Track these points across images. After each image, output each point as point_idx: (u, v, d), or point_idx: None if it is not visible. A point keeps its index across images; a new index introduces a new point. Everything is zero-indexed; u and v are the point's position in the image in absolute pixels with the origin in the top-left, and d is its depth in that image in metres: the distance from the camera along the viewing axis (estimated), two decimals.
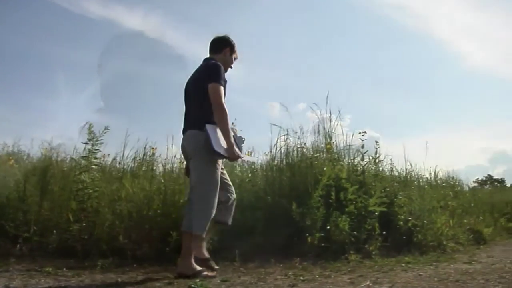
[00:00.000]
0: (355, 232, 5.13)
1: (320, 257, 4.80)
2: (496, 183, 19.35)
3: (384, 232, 5.43)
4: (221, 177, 3.98)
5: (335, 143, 6.48)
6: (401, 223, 5.76)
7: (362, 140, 6.36)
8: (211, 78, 3.84)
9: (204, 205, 3.80)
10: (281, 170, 5.65)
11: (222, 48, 4.21)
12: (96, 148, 5.20)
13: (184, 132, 4.05)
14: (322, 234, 4.94)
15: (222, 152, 3.76)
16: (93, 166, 5.29)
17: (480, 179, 17.97)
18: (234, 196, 4.19)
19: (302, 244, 4.87)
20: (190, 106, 4.09)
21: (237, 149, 3.92)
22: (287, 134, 6.11)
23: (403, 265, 4.48)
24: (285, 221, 4.96)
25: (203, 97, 3.86)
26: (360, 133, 6.42)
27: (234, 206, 4.17)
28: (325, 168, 5.36)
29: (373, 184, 5.78)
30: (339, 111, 6.45)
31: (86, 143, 5.19)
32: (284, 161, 5.84)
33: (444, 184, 9.17)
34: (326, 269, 4.25)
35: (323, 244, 4.95)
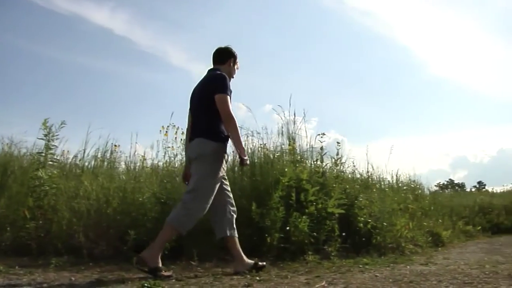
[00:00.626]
0: (314, 233, 5.14)
1: (279, 258, 4.81)
2: (456, 188, 19.79)
3: (344, 234, 5.47)
4: (223, 187, 4.16)
5: (299, 145, 6.52)
6: (361, 225, 5.81)
7: (321, 142, 6.43)
8: (218, 89, 3.99)
9: (199, 205, 3.95)
10: (242, 170, 5.63)
11: (226, 59, 4.34)
12: (53, 144, 5.10)
13: (191, 140, 4.17)
14: (282, 235, 4.94)
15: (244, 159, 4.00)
16: (50, 162, 5.18)
17: (441, 183, 18.33)
18: (234, 208, 4.27)
19: (261, 244, 4.86)
20: (197, 115, 4.20)
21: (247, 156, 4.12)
22: (251, 135, 6.13)
23: (361, 266, 4.50)
24: (245, 221, 4.93)
25: (209, 107, 4.00)
26: (319, 135, 6.48)
27: (234, 217, 4.21)
28: (286, 169, 5.37)
29: (334, 185, 5.81)
30: (304, 113, 6.49)
31: (42, 139, 5.09)
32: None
33: (405, 187, 9.29)
34: (283, 270, 4.25)
35: (282, 245, 4.95)
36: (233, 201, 4.26)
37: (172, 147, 6.26)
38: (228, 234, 4.07)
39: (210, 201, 3.98)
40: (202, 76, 4.37)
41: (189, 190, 3.98)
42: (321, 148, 6.39)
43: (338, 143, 6.65)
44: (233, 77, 4.39)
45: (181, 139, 6.20)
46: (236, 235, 4.12)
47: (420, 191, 10.31)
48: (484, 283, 3.39)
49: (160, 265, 3.79)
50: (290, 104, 6.33)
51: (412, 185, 9.83)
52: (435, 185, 14.77)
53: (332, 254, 5.10)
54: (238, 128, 4.10)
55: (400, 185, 9.21)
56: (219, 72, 4.19)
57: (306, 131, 6.58)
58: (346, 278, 3.68)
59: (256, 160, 5.77)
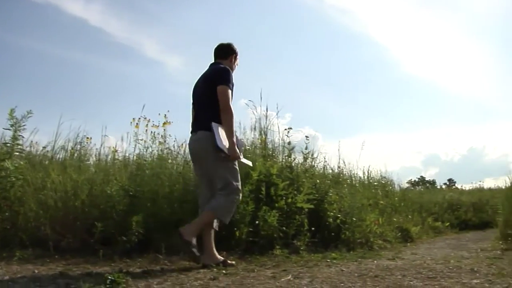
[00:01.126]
0: (284, 228, 5.16)
1: (248, 252, 4.81)
2: (427, 185, 20.07)
3: (313, 228, 5.50)
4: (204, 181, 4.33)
5: (271, 140, 6.54)
6: (331, 219, 5.85)
7: (289, 137, 6.46)
8: (221, 81, 4.11)
9: (233, 197, 4.15)
10: None
11: (229, 55, 4.50)
12: (20, 134, 5.01)
13: (194, 132, 4.27)
14: (251, 229, 4.93)
15: (224, 150, 4.00)
16: (17, 153, 5.09)
17: (413, 180, 18.55)
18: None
19: (230, 238, 4.85)
20: (200, 108, 4.30)
21: (237, 150, 4.12)
22: None
23: (328, 260, 4.53)
24: None
25: (213, 100, 4.10)
26: (285, 129, 6.51)
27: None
28: (256, 163, 5.36)
29: (304, 180, 5.83)
30: (277, 109, 6.51)
31: (8, 129, 5.00)
32: None
33: (376, 183, 9.39)
34: (251, 264, 4.26)
35: (251, 239, 4.95)
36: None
37: (144, 140, 6.20)
38: (214, 225, 4.21)
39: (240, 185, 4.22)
40: (203, 71, 4.47)
41: (220, 188, 4.11)
42: (289, 143, 6.40)
43: (306, 137, 6.68)
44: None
45: (152, 132, 6.17)
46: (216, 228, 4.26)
47: (390, 187, 10.45)
48: (447, 277, 3.44)
49: (195, 243, 3.97)
50: (261, 99, 6.36)
51: (383, 182, 9.95)
52: (407, 182, 14.99)
53: (301, 248, 5.11)
54: (233, 121, 4.17)
55: (371, 181, 9.31)
56: (222, 65, 4.31)
57: (278, 126, 6.60)
58: (313, 272, 3.70)
59: None
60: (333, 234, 5.82)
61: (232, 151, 4.05)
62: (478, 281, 3.26)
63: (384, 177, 10.23)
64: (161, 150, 6.00)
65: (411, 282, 3.23)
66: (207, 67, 4.49)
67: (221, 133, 4.05)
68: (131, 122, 6.25)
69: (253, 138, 6.48)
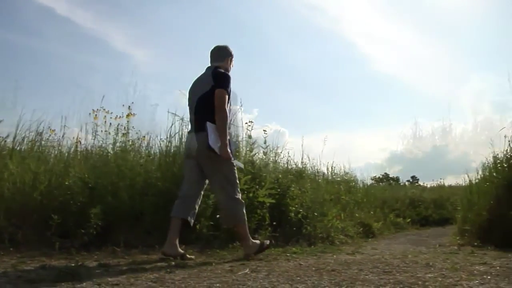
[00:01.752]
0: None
1: (208, 245, 4.81)
2: (391, 181, 20.36)
3: (274, 223, 5.52)
4: (195, 171, 4.34)
5: (235, 134, 6.52)
6: (292, 214, 5.88)
7: (250, 131, 6.50)
8: (219, 84, 4.23)
9: (236, 194, 4.30)
10: (175, 157, 5.58)
11: (225, 57, 4.59)
12: None
13: (194, 132, 4.30)
14: (212, 223, 4.92)
15: (216, 149, 4.09)
16: None
17: (377, 176, 18.81)
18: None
19: (191, 232, 4.82)
20: (200, 109, 4.31)
21: (229, 150, 4.18)
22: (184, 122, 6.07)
23: (288, 255, 4.56)
24: None
25: (212, 102, 4.18)
26: (246, 123, 6.54)
27: (196, 205, 4.39)
28: None
29: (265, 174, 5.85)
30: (241, 103, 6.49)
31: None
32: (180, 149, 5.76)
33: (339, 179, 9.49)
34: (210, 257, 4.26)
35: (212, 233, 4.94)
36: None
37: (109, 131, 6.12)
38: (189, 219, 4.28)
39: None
40: (200, 74, 4.54)
41: (220, 188, 4.30)
42: (249, 137, 6.42)
43: (264, 131, 6.73)
44: None
45: (111, 124, 6.10)
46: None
47: (354, 183, 10.57)
48: (402, 271, 3.49)
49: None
50: None
51: (346, 178, 10.05)
52: (371, 179, 15.16)
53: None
54: (227, 123, 4.25)
55: (334, 177, 9.41)
56: (222, 70, 4.41)
57: (242, 120, 6.60)
58: (271, 266, 3.72)
59: None
60: (294, 228, 5.86)
61: (224, 151, 4.12)
62: (432, 275, 3.31)
63: (347, 173, 10.35)
64: (123, 142, 5.92)
65: (367, 276, 3.27)
66: (204, 70, 4.52)
67: (215, 133, 4.13)
68: (89, 113, 6.16)
69: None
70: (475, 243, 5.71)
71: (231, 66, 4.68)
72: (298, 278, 3.18)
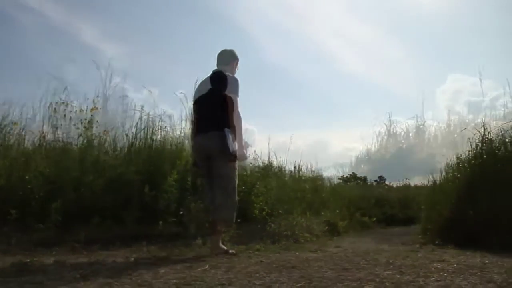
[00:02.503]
0: (209, 219, 5.13)
1: (171, 242, 4.76)
2: (359, 181, 20.53)
3: (239, 220, 5.50)
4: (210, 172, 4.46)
5: None
6: (257, 211, 5.88)
7: None
8: (231, 91, 4.47)
9: (234, 197, 4.43)
10: (139, 152, 5.53)
11: (231, 61, 4.82)
12: None
13: (205, 132, 4.41)
14: (174, 219, 4.88)
15: (235, 153, 4.33)
16: None
17: (344, 176, 18.94)
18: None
19: (154, 227, 4.79)
20: (209, 111, 4.47)
21: (245, 151, 4.57)
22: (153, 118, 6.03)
23: (251, 252, 4.55)
24: (139, 204, 4.86)
25: (221, 104, 4.39)
26: None
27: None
28: (183, 153, 5.32)
29: None
30: None
31: None
32: (145, 144, 5.71)
33: (305, 178, 9.53)
34: (172, 254, 4.22)
35: (175, 229, 4.90)
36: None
37: (75, 125, 6.01)
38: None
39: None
40: (206, 76, 4.68)
41: (223, 183, 4.37)
42: None
43: None
44: None
45: (71, 117, 6.00)
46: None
47: (320, 182, 10.62)
48: (362, 269, 3.51)
49: (226, 248, 4.42)
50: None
51: (313, 176, 10.10)
52: (338, 178, 15.29)
53: (226, 240, 5.11)
54: (241, 127, 4.52)
55: (301, 175, 9.44)
56: (230, 74, 4.61)
57: None
58: (231, 263, 3.69)
59: (153, 143, 5.67)
60: (259, 226, 5.85)
61: (242, 153, 4.51)
62: (390, 272, 3.34)
63: (314, 172, 10.40)
64: (87, 136, 5.83)
65: (326, 273, 3.27)
66: (210, 73, 4.64)
67: (232, 137, 4.32)
68: (48, 107, 6.06)
69: (183, 128, 6.41)
70: (437, 242, 5.78)
71: (236, 69, 4.85)
72: (257, 274, 3.17)
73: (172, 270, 3.28)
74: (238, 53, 4.89)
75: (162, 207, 4.83)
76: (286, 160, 9.06)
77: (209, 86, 4.55)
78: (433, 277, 3.13)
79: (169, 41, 46.83)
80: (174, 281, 2.89)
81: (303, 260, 4.03)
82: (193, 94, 4.86)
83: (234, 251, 4.38)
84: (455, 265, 3.73)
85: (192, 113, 5.06)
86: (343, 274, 3.27)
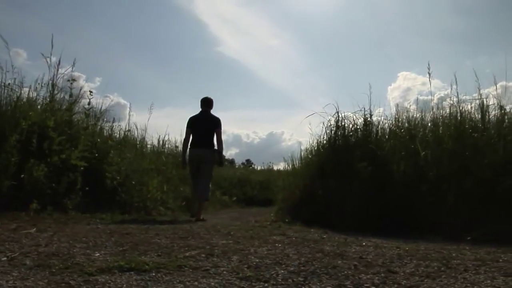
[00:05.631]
0: (53, 184, 4.88)
1: (11, 206, 4.47)
2: (227, 163, 20.77)
3: (87, 188, 5.31)
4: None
5: (62, 96, 6.17)
6: (108, 181, 5.70)
7: (71, 89, 6.31)
8: (219, 127, 6.64)
9: (210, 185, 6.71)
10: None
11: (212, 105, 6.88)
12: None
13: (202, 147, 6.49)
14: (14, 183, 4.57)
15: (218, 162, 6.79)
16: None
17: None
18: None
19: None
20: (205, 135, 6.57)
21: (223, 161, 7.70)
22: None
23: (93, 220, 4.44)
24: None
25: (212, 133, 6.57)
26: (68, 80, 6.26)
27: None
28: (30, 113, 4.97)
29: (83, 137, 5.54)
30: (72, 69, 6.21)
31: None
32: None
33: (169, 152, 9.44)
34: (5, 218, 3.99)
35: (15, 193, 4.59)
36: None
37: None
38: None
39: None
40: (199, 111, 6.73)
41: (206, 176, 6.50)
42: (70, 95, 6.13)
43: (90, 92, 6.51)
44: None
45: None
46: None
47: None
48: (199, 238, 3.56)
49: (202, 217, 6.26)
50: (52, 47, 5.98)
51: (176, 152, 9.99)
52: None
53: (70, 207, 4.91)
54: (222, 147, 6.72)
55: (163, 149, 9.32)
56: (216, 116, 6.78)
57: (70, 81, 6.25)
58: (62, 228, 3.56)
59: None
60: (109, 195, 5.68)
61: (221, 163, 7.06)
62: (225, 241, 3.40)
63: (177, 147, 10.29)
64: None
65: (159, 240, 3.26)
66: (203, 111, 6.68)
67: (216, 153, 6.58)
68: None
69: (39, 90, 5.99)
70: (287, 220, 5.96)
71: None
72: (84, 239, 3.08)
73: None
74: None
75: None
76: (151, 134, 8.88)
77: (207, 121, 6.58)
78: (267, 246, 3.22)
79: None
80: None
81: (142, 229, 3.98)
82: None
83: (205, 218, 6.28)
84: (294, 238, 3.87)
85: (186, 129, 6.59)
86: (177, 241, 3.28)
